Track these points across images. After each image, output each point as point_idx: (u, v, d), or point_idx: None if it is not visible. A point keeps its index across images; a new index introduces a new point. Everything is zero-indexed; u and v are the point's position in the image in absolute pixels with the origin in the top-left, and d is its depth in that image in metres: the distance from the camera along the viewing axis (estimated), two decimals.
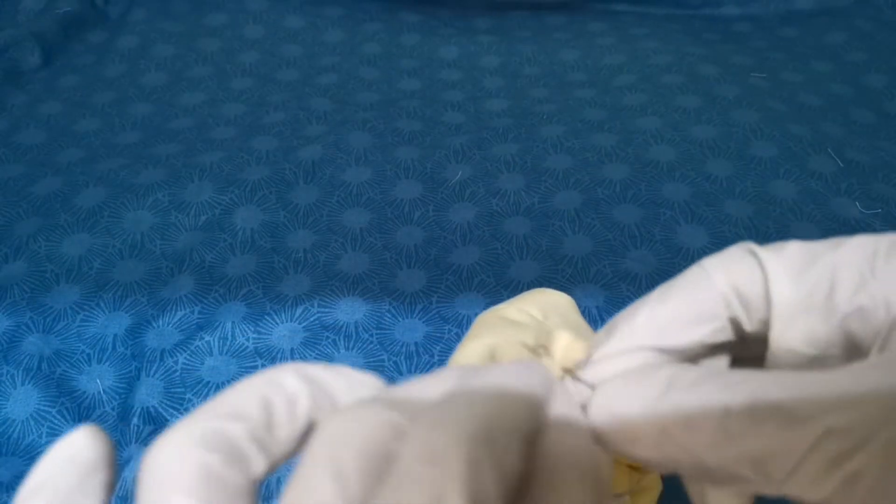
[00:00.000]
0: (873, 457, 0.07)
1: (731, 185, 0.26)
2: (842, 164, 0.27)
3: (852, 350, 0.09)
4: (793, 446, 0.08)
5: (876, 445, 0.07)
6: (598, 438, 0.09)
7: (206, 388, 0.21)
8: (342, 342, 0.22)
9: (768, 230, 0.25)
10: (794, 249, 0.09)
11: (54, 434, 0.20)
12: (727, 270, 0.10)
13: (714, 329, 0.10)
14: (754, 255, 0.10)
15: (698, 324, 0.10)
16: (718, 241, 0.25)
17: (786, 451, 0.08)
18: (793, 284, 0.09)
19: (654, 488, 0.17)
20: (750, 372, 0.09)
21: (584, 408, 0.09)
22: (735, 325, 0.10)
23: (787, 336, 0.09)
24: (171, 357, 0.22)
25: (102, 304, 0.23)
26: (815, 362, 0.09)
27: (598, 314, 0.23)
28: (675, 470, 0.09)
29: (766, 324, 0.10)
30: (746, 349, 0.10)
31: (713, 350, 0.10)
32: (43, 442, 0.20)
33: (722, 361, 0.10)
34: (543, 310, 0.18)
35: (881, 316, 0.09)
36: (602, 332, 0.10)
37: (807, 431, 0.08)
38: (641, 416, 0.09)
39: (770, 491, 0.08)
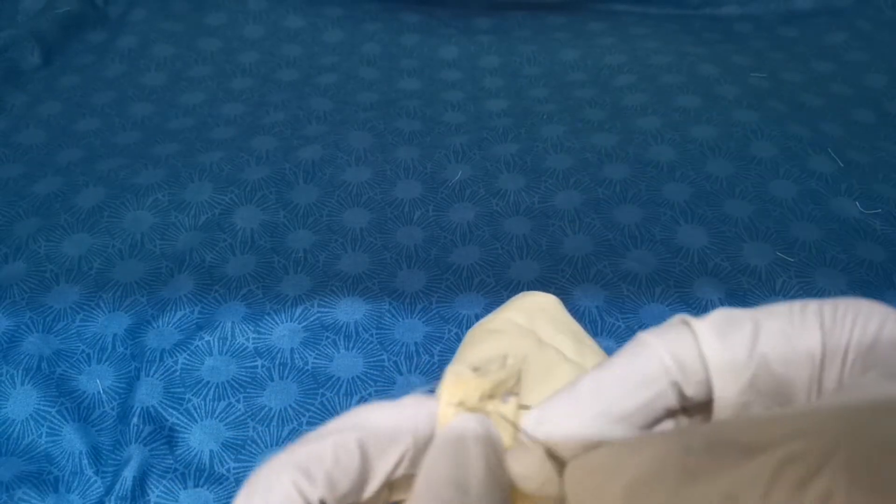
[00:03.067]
0: (838, 475, 0.07)
1: (732, 185, 0.26)
2: (842, 164, 0.27)
3: (787, 399, 0.10)
4: (756, 476, 0.08)
5: (837, 464, 0.07)
6: None
7: (205, 388, 0.21)
8: (342, 342, 0.22)
9: (768, 230, 0.25)
10: (717, 312, 0.10)
11: (54, 434, 0.20)
12: (662, 338, 0.10)
13: (657, 393, 0.10)
14: (685, 323, 0.10)
15: (640, 388, 0.10)
16: (718, 241, 0.25)
17: (751, 483, 0.08)
18: (720, 341, 0.10)
19: None
20: (703, 423, 0.09)
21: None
22: (677, 390, 0.10)
23: (728, 392, 0.10)
24: (171, 357, 0.22)
25: (102, 304, 0.23)
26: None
27: (598, 314, 0.23)
28: None
29: (704, 385, 0.10)
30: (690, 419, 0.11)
31: (658, 420, 0.10)
32: (42, 442, 0.20)
33: (669, 425, 0.11)
34: (529, 314, 0.18)
35: (807, 365, 0.10)
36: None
37: (767, 459, 0.08)
38: (609, 482, 0.09)
39: None
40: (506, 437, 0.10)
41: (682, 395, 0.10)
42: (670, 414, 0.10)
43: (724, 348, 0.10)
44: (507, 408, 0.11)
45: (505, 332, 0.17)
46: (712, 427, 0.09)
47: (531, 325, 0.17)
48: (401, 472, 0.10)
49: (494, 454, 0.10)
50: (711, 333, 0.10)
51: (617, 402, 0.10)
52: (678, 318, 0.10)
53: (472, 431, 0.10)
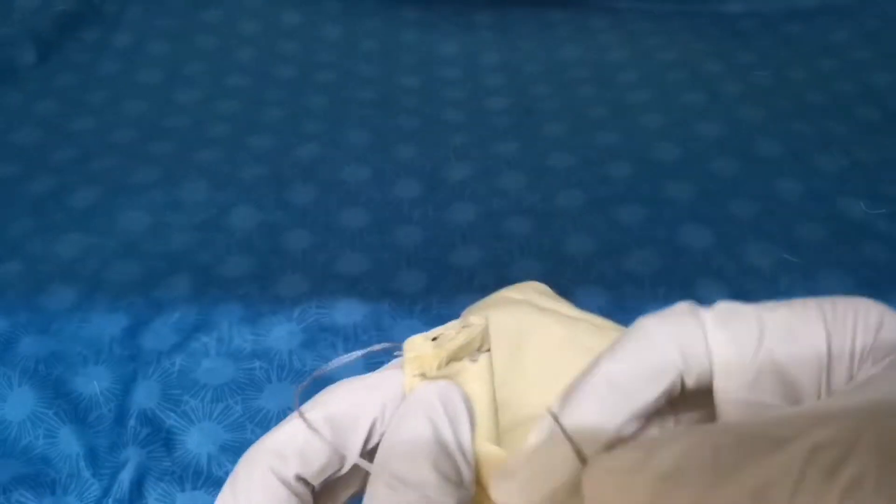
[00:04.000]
0: (868, 458, 0.08)
1: (736, 183, 0.26)
2: (847, 163, 0.27)
3: (793, 398, 0.10)
4: (787, 467, 0.08)
5: (865, 447, 0.08)
6: None
7: (202, 390, 0.21)
8: (341, 343, 0.22)
9: (773, 229, 0.25)
10: (721, 304, 0.10)
11: (51, 436, 0.20)
12: (667, 327, 0.10)
13: (667, 386, 0.10)
14: (692, 312, 0.10)
15: (652, 382, 0.10)
16: (723, 241, 0.24)
17: (782, 474, 0.08)
18: (726, 334, 0.10)
19: None
20: (729, 420, 0.09)
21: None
22: (680, 382, 0.10)
23: (731, 385, 0.10)
24: (168, 358, 0.21)
25: (98, 305, 0.23)
26: (759, 409, 0.10)
27: (600, 315, 0.22)
28: None
29: (705, 376, 0.10)
30: (677, 411, 0.11)
31: (656, 413, 0.10)
32: (39, 444, 0.20)
33: (669, 423, 0.11)
34: (523, 293, 0.18)
35: (814, 362, 0.10)
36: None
37: (795, 449, 0.08)
38: (634, 481, 0.09)
39: None
40: (477, 398, 0.11)
41: (682, 386, 0.10)
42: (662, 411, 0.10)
43: (729, 341, 0.10)
44: (478, 367, 0.11)
45: (499, 305, 0.17)
46: (740, 424, 0.09)
47: (525, 298, 0.17)
48: (376, 440, 0.11)
49: (460, 417, 0.10)
50: (717, 325, 0.10)
51: (633, 397, 0.10)
52: (682, 305, 0.10)
53: (436, 394, 0.10)
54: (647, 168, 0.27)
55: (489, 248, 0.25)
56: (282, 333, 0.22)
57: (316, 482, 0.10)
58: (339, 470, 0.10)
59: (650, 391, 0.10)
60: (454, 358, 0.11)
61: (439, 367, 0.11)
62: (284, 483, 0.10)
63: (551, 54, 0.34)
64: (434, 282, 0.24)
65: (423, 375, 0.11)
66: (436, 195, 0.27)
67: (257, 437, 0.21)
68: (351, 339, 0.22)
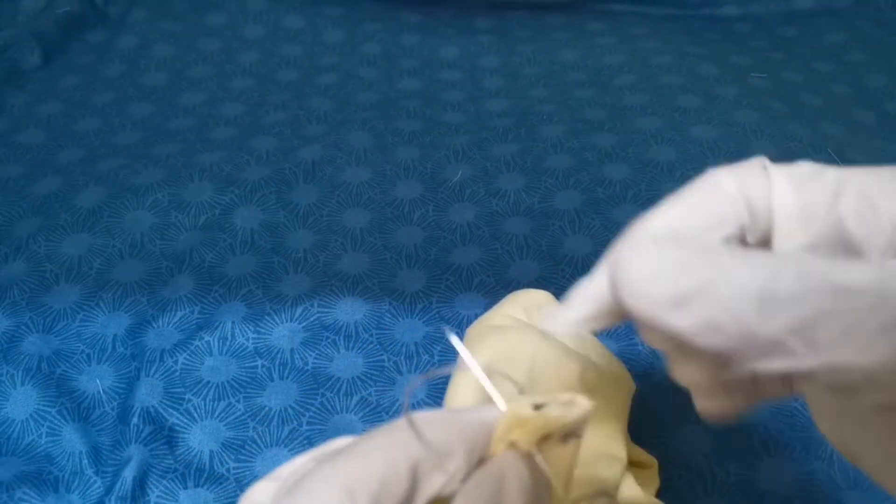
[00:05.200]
0: None
1: None
2: (842, 164, 0.27)
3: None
4: (844, 309, 0.07)
5: None
6: (634, 309, 0.09)
7: (205, 388, 0.21)
8: (342, 342, 0.22)
9: None
10: (803, 164, 0.09)
11: (54, 434, 0.20)
12: (740, 178, 0.09)
13: (726, 235, 0.09)
14: (764, 167, 0.09)
15: (712, 229, 0.09)
16: None
17: (836, 314, 0.07)
18: (796, 193, 0.09)
19: (651, 485, 0.17)
20: (798, 253, 0.09)
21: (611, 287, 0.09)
22: (741, 236, 0.09)
23: (789, 247, 0.09)
24: (171, 357, 0.22)
25: (102, 304, 0.23)
26: None
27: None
28: (709, 344, 0.08)
29: (765, 235, 0.09)
30: None
31: None
32: (42, 442, 0.20)
33: None
34: (527, 310, 0.18)
35: (888, 229, 0.09)
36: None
37: (859, 297, 0.07)
38: (687, 274, 0.08)
39: (807, 363, 0.08)
40: (556, 480, 0.10)
41: (742, 243, 0.09)
42: None
43: (795, 199, 0.09)
44: (565, 451, 0.10)
45: (507, 327, 0.17)
46: (808, 259, 0.08)
47: (530, 319, 0.18)
48: (447, 491, 0.09)
49: (538, 501, 0.09)
50: (786, 180, 0.09)
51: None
52: (757, 159, 0.10)
53: (515, 473, 0.09)
54: (644, 169, 0.27)
55: (488, 248, 0.25)
56: (284, 332, 0.22)
57: None
58: None
59: (708, 238, 0.09)
60: (551, 434, 0.10)
61: (538, 440, 0.09)
62: None
63: (550, 57, 0.35)
64: (434, 281, 0.24)
65: (513, 445, 0.09)
66: (436, 196, 0.27)
67: (259, 435, 0.21)
68: (352, 338, 0.22)
